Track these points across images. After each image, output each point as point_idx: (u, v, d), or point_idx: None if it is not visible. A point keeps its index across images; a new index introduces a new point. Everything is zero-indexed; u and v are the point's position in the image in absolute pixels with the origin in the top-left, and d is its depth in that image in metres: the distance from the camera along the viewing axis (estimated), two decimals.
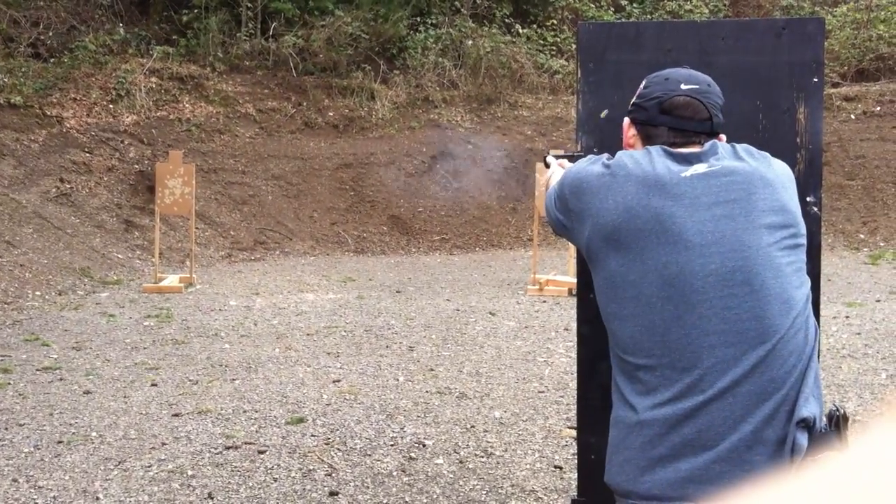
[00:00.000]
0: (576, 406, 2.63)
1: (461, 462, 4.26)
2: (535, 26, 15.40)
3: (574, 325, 2.52)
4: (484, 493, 3.92)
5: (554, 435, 4.62)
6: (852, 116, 13.69)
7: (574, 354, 2.49)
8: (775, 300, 1.61)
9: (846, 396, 5.09)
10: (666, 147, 1.73)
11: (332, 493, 3.88)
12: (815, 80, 2.40)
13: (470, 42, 14.66)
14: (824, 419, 1.63)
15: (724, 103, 1.82)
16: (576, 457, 2.69)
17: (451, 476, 4.09)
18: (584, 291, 2.53)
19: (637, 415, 1.67)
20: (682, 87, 1.77)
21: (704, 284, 1.62)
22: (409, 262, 11.16)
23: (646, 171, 1.69)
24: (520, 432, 4.66)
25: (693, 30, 2.50)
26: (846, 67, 14.99)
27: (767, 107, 2.41)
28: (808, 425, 1.59)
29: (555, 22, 15.43)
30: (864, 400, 5.09)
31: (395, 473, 4.12)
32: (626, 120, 1.87)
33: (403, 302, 8.28)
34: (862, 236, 11.73)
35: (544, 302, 8.31)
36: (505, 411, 5.00)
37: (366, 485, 3.99)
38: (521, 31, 15.09)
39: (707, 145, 1.73)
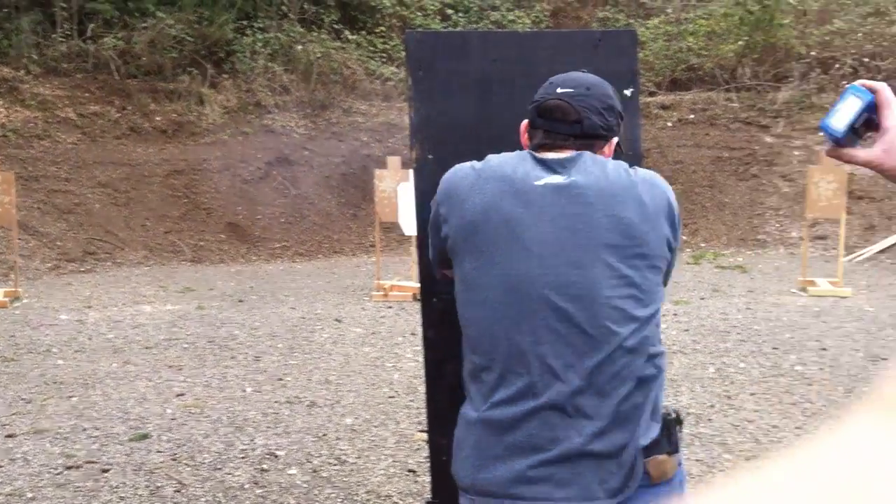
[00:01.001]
0: (426, 409, 2.67)
1: (315, 471, 4.23)
2: (364, 33, 15.41)
3: (420, 330, 2.57)
4: (339, 501, 3.91)
5: (406, 439, 4.67)
6: (669, 124, 14.51)
7: (422, 358, 2.53)
8: (605, 318, 1.64)
9: (679, 390, 5.42)
10: (534, 152, 1.76)
11: None
12: (631, 90, 2.46)
13: (300, 47, 14.51)
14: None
15: (609, 106, 1.80)
16: (428, 459, 2.74)
17: (306, 486, 4.07)
18: (428, 296, 2.57)
19: (476, 413, 1.72)
20: (557, 90, 1.79)
21: (541, 294, 1.65)
22: (251, 270, 10.93)
23: (505, 175, 1.72)
24: (372, 438, 4.68)
25: (516, 40, 2.56)
26: (661, 77, 15.86)
27: None
28: (647, 448, 1.66)
29: (383, 29, 15.50)
30: (696, 393, 5.43)
31: (247, 486, 4.05)
32: (524, 122, 1.89)
33: (247, 311, 8.12)
34: (684, 238, 12.47)
35: (390, 307, 8.36)
36: (356, 418, 5.01)
37: (217, 499, 3.90)
38: (350, 37, 15.07)
39: (575, 154, 1.73)
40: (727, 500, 0.24)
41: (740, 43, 15.58)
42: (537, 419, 1.66)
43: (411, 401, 5.28)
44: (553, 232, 1.66)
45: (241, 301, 8.70)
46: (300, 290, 9.35)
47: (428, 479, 2.81)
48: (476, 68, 2.49)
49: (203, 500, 3.90)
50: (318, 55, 14.49)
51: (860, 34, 15.42)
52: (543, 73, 2.51)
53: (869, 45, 15.42)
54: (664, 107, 15.04)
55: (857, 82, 1.42)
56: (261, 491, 4.00)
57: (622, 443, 1.65)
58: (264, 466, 4.29)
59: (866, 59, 15.24)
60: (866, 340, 6.88)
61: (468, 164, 1.82)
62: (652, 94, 15.45)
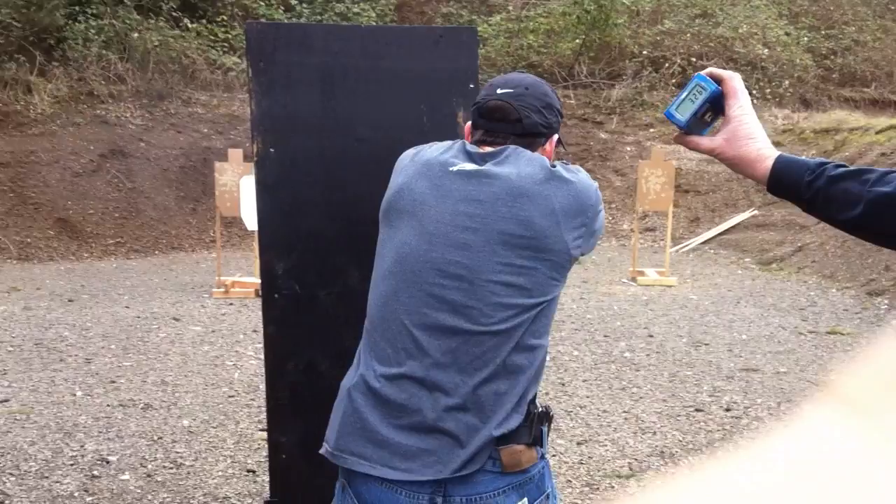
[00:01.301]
0: (265, 408, 2.65)
1: (149, 476, 4.10)
2: (204, 21, 14.95)
3: (262, 327, 2.54)
4: None
5: (246, 439, 4.59)
6: None
7: (263, 356, 2.51)
8: (481, 301, 1.68)
9: None
10: (470, 143, 1.81)
11: None
12: (472, 85, 2.52)
13: (136, 35, 13.94)
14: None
15: (548, 104, 1.84)
16: (268, 459, 2.71)
17: (139, 491, 3.94)
18: (270, 292, 2.55)
19: (351, 381, 1.78)
20: (498, 91, 1.82)
21: (421, 269, 1.71)
22: (82, 268, 10.42)
23: (429, 159, 1.79)
24: (210, 439, 4.57)
25: (358, 34, 2.57)
26: (502, 73, 16.22)
27: (430, 110, 2.51)
28: (503, 437, 1.69)
29: (225, 18, 15.09)
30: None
31: (76, 494, 3.88)
32: (468, 124, 1.92)
33: (77, 311, 7.74)
34: None
35: (231, 304, 8.18)
36: (194, 419, 4.89)
37: None
38: (190, 25, 14.60)
39: (498, 149, 1.78)
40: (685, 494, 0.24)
41: (577, 41, 16.14)
42: (396, 387, 1.70)
43: (252, 400, 5.20)
44: (452, 213, 1.71)
45: (71, 301, 8.29)
46: (135, 289, 9.00)
47: (267, 478, 2.78)
48: (318, 61, 2.48)
49: None
50: (156, 43, 13.94)
51: (688, 35, 16.29)
52: (385, 67, 2.53)
53: (696, 46, 16.31)
54: None
55: (705, 72, 1.46)
56: (91, 498, 3.85)
57: (474, 426, 1.67)
58: (95, 473, 4.12)
59: (694, 59, 16.10)
60: (689, 327, 7.30)
61: (416, 148, 1.89)
62: None
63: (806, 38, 16.97)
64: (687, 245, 11.87)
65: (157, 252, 11.49)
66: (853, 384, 0.24)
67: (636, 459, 4.37)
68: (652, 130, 14.61)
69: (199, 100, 13.98)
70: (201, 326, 7.23)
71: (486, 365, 1.68)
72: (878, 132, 11.54)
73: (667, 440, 4.65)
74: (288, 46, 2.49)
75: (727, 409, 5.15)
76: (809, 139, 12.93)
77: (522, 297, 1.70)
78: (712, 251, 11.55)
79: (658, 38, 16.36)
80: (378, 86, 2.52)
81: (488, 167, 1.74)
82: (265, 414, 2.67)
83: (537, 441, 1.75)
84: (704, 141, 1.46)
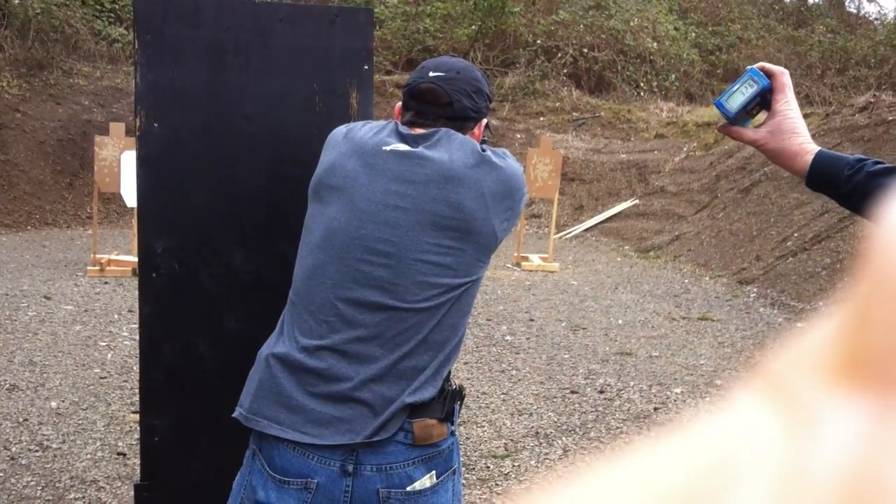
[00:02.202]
0: (139, 389, 2.58)
1: (13, 458, 3.94)
2: None
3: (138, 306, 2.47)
4: (39, 488, 3.68)
5: (117, 421, 4.46)
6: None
7: (138, 337, 2.45)
8: (408, 279, 1.72)
9: None
10: (401, 124, 1.82)
11: None
12: (366, 67, 2.52)
13: (17, 1, 13.27)
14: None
15: (478, 89, 1.86)
16: (139, 441, 2.65)
17: (2, 475, 3.78)
18: (146, 271, 2.48)
19: (271, 349, 1.80)
20: (430, 74, 1.83)
21: (350, 245, 1.73)
22: None
23: (362, 138, 1.79)
24: (80, 422, 4.43)
25: (251, 9, 2.52)
26: (398, 57, 16.20)
27: (323, 90, 2.47)
28: (415, 407, 1.73)
29: None
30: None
31: None
32: (398, 105, 1.92)
33: None
34: None
35: (106, 283, 7.91)
36: (63, 401, 4.71)
37: None
38: None
39: (430, 131, 1.80)
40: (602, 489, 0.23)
41: (473, 28, 16.25)
42: (316, 358, 1.73)
43: (125, 381, 5.06)
44: (383, 192, 1.73)
45: None
46: (4, 265, 8.59)
47: (138, 461, 2.71)
48: (208, 35, 2.42)
49: None
50: (38, 11, 13.31)
51: (582, 26, 16.61)
52: (278, 44, 2.48)
53: (589, 37, 16.66)
54: (399, 86, 15.34)
55: (757, 66, 1.49)
56: None
57: (390, 396, 1.71)
58: None
59: (585, 50, 16.45)
60: (569, 311, 7.49)
61: (347, 126, 1.89)
62: (388, 72, 15.73)
63: (694, 34, 17.57)
64: (570, 232, 12.15)
65: (29, 227, 11.00)
66: (781, 367, 0.24)
67: (512, 440, 4.46)
68: (542, 119, 14.87)
69: (82, 71, 13.45)
70: (73, 305, 6.97)
71: (408, 341, 1.73)
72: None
73: (542, 421, 4.76)
74: (177, 19, 2.42)
75: (601, 392, 5.31)
76: (692, 132, 13.41)
77: (448, 276, 1.74)
78: (594, 238, 11.86)
79: (552, 27, 16.63)
80: (270, 63, 2.48)
81: (421, 149, 1.77)
82: (138, 396, 2.61)
83: (448, 417, 1.80)
84: (748, 132, 1.51)
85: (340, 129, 1.90)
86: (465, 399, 2.11)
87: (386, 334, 1.73)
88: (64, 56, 13.52)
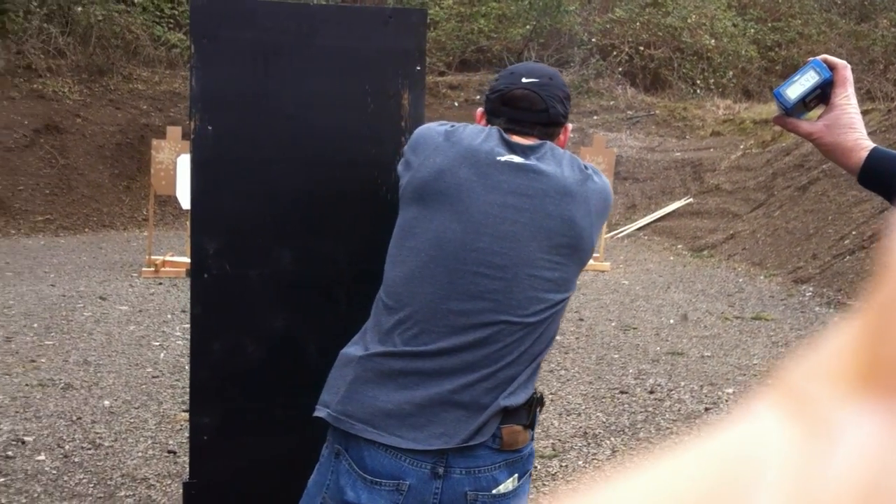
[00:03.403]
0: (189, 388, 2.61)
1: (66, 456, 4.02)
2: None
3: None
4: (91, 486, 3.74)
5: (168, 420, 4.53)
6: (456, 104, 14.84)
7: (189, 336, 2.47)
8: (521, 293, 1.74)
9: None
10: (502, 131, 1.82)
11: None
12: (419, 67, 2.51)
13: (80, 8, 13.56)
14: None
15: (567, 95, 1.89)
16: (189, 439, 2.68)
17: (55, 472, 3.85)
18: (198, 272, 2.50)
19: (365, 351, 1.81)
20: (523, 80, 1.84)
21: (466, 257, 1.74)
22: (7, 244, 10.12)
23: (472, 145, 1.79)
24: (131, 420, 4.50)
25: (305, 12, 2.53)
26: (451, 57, 16.20)
27: (375, 91, 2.47)
28: (507, 412, 1.77)
29: None
30: None
31: None
32: (479, 110, 1.94)
33: (0, 289, 7.53)
34: None
35: (160, 284, 8.04)
36: (115, 399, 4.80)
37: None
38: (136, 0, 14.27)
39: (538, 143, 1.82)
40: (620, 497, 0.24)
41: (528, 27, 16.17)
42: (418, 363, 1.75)
43: (177, 380, 5.13)
44: (500, 205, 1.74)
45: None
46: (62, 266, 8.79)
47: (188, 459, 2.74)
48: (262, 39, 2.43)
49: None
50: (100, 18, 13.59)
51: (638, 23, 16.43)
52: (331, 46, 2.49)
53: (645, 35, 16.48)
54: (452, 87, 15.37)
55: (820, 57, 1.47)
56: (4, 479, 3.75)
57: (486, 402, 1.74)
58: (9, 453, 4.02)
59: (641, 48, 16.27)
60: (619, 311, 7.40)
61: (442, 125, 1.90)
62: (442, 73, 15.73)
63: (752, 30, 17.25)
64: (623, 231, 12.03)
65: (87, 230, 11.24)
66: (798, 376, 0.24)
67: (560, 440, 4.42)
68: (595, 118, 14.74)
69: (141, 76, 13.70)
70: (128, 306, 7.09)
71: (511, 353, 1.75)
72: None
73: (591, 421, 4.71)
74: (232, 23, 2.44)
75: (651, 392, 5.24)
76: (749, 129, 13.18)
77: (554, 291, 1.78)
78: (647, 237, 11.72)
79: (608, 26, 16.48)
80: (323, 64, 2.48)
81: (534, 162, 1.78)
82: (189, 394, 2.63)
83: (532, 423, 1.84)
84: (804, 125, 1.49)
85: (436, 130, 1.88)
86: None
87: (492, 346, 1.75)
88: (124, 62, 13.78)
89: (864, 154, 1.42)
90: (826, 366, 0.23)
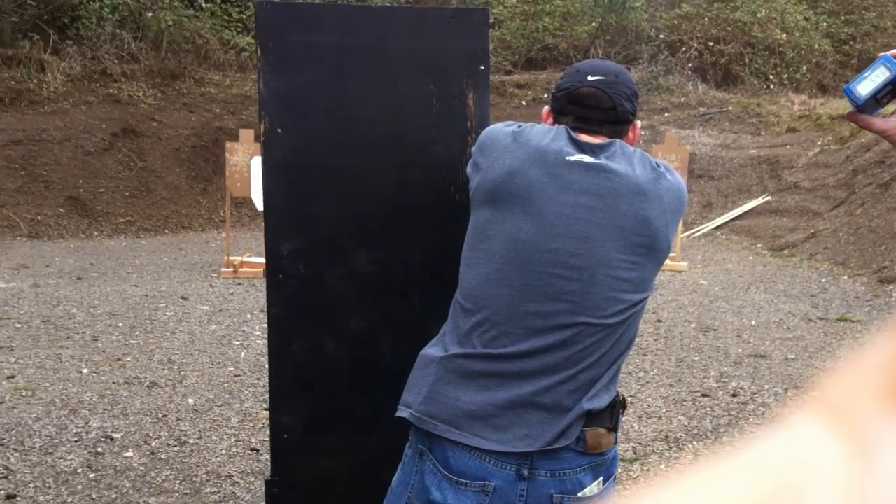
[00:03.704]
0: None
1: (153, 453, 4.12)
2: (219, 1, 14.93)
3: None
4: (178, 482, 3.82)
5: (250, 418, 4.60)
6: (524, 102, 14.79)
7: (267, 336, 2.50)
8: (598, 294, 1.73)
9: None
10: (570, 129, 1.81)
11: (10, 497, 3.60)
12: (482, 67, 2.49)
13: (150, 14, 13.92)
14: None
15: (634, 92, 1.87)
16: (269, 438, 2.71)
17: (143, 468, 3.95)
18: (274, 274, 2.54)
19: (445, 352, 1.81)
20: (589, 78, 1.83)
21: (541, 258, 1.73)
22: (92, 246, 10.46)
23: (540, 145, 1.78)
24: (215, 418, 4.58)
25: (369, 14, 2.54)
26: (517, 56, 16.15)
27: (440, 92, 2.46)
28: (590, 415, 1.75)
29: None
30: None
31: (80, 470, 3.90)
32: (546, 109, 1.94)
33: (86, 289, 7.77)
34: None
35: (239, 284, 8.19)
36: (199, 398, 4.90)
37: (47, 485, 3.74)
38: (204, 5, 14.57)
39: (607, 142, 1.80)
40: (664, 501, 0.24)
41: (594, 24, 16.02)
42: (499, 364, 1.75)
43: (258, 379, 5.21)
44: (573, 205, 1.73)
45: (79, 278, 8.32)
46: (144, 267, 9.03)
47: (270, 457, 2.78)
48: (328, 41, 2.45)
49: (32, 485, 3.73)
50: (170, 23, 13.94)
51: (706, 19, 16.14)
52: (396, 47, 2.50)
53: (714, 30, 16.18)
54: (519, 86, 15.31)
55: (891, 52, 1.45)
56: (94, 475, 3.86)
57: (569, 404, 1.74)
58: (99, 450, 4.13)
59: (711, 43, 15.98)
60: (699, 312, 7.27)
61: (508, 126, 1.89)
62: (508, 72, 15.69)
63: (825, 24, 16.80)
64: (699, 230, 11.81)
65: (166, 231, 11.52)
66: (839, 390, 0.24)
67: (640, 444, 4.36)
68: (667, 115, 14.52)
69: (212, 80, 13.99)
70: (209, 306, 7.24)
71: (592, 354, 1.74)
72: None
73: (672, 425, 4.63)
74: (298, 26, 2.46)
75: (734, 395, 5.12)
76: (826, 125, 12.82)
77: (632, 292, 1.76)
78: (724, 237, 11.49)
79: (675, 21, 16.24)
80: (387, 66, 2.49)
81: (604, 161, 1.76)
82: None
83: (615, 426, 1.83)
84: (877, 121, 1.48)
85: (504, 130, 1.87)
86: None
87: (572, 348, 1.73)
88: (195, 66, 14.09)
89: None
90: (865, 380, 0.23)
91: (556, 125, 1.86)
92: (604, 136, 1.83)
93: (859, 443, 0.22)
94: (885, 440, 0.21)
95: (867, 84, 1.45)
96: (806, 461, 0.22)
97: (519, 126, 1.87)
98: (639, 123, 1.93)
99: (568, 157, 1.76)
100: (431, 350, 1.87)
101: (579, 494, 1.76)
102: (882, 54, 1.46)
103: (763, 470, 0.23)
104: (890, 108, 1.49)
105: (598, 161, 1.76)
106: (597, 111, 1.83)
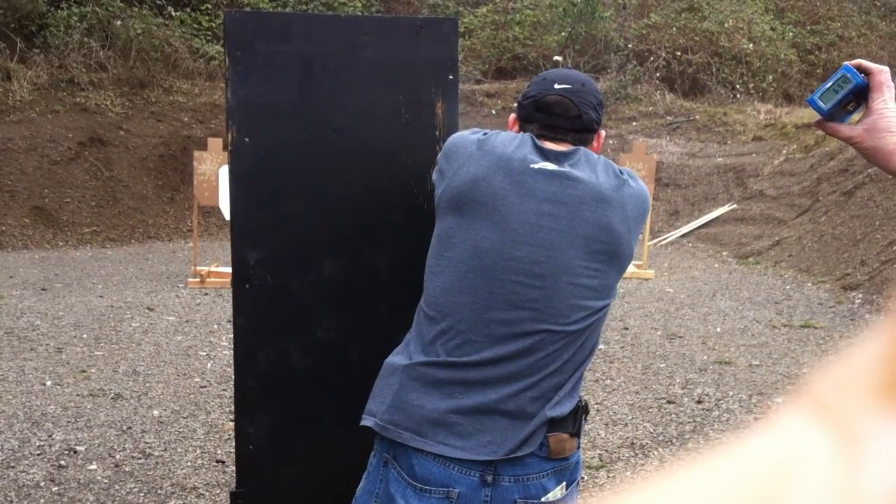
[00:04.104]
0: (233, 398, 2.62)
1: (117, 466, 4.07)
2: (189, 10, 14.85)
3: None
4: (142, 495, 3.78)
5: (217, 429, 4.56)
6: (493, 111, 14.84)
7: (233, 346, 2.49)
8: (561, 302, 1.74)
9: None
10: (535, 137, 1.82)
11: None
12: (451, 77, 2.52)
13: (119, 22, 13.81)
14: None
15: (600, 101, 1.89)
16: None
17: (107, 481, 3.90)
18: (240, 283, 2.52)
19: (409, 360, 1.82)
20: (556, 86, 1.85)
21: (505, 266, 1.74)
22: (56, 256, 10.33)
23: (504, 152, 1.79)
24: (180, 430, 4.54)
25: (338, 24, 2.55)
26: (487, 65, 16.21)
27: (409, 101, 2.48)
28: (553, 421, 1.77)
29: (209, 6, 14.98)
30: None
31: (42, 484, 3.85)
32: (512, 116, 1.95)
33: (50, 300, 7.67)
34: None
35: (206, 294, 8.13)
36: (164, 409, 4.85)
37: (9, 499, 3.69)
38: (174, 13, 14.49)
39: (571, 149, 1.82)
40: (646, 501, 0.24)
41: (563, 34, 16.13)
42: (463, 372, 1.76)
43: (224, 390, 5.17)
44: (536, 213, 1.74)
45: (44, 289, 8.22)
46: (110, 278, 8.93)
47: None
48: (297, 50, 2.45)
49: None
50: (139, 31, 13.82)
51: (674, 28, 16.31)
52: (365, 56, 2.50)
53: (682, 40, 16.34)
54: (489, 94, 15.36)
55: (852, 63, 1.49)
56: (57, 488, 3.81)
57: (532, 411, 1.75)
58: (62, 463, 4.08)
59: (678, 53, 16.14)
60: (665, 320, 7.32)
61: (474, 133, 1.89)
62: (478, 81, 15.74)
63: (791, 34, 17.05)
64: (666, 238, 11.92)
65: (133, 241, 11.41)
66: (828, 386, 0.24)
67: (607, 451, 4.38)
68: (634, 124, 14.63)
69: (181, 88, 13.89)
70: (175, 316, 7.18)
71: (555, 361, 1.75)
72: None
73: (637, 432, 4.66)
74: (266, 35, 2.46)
75: (699, 402, 5.17)
76: (791, 134, 12.99)
77: (595, 299, 1.77)
78: (690, 244, 11.59)
79: (644, 31, 16.39)
80: (357, 76, 2.50)
81: (568, 168, 1.77)
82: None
83: (578, 431, 1.84)
84: (844, 129, 1.52)
85: (469, 138, 1.87)
86: None
87: (536, 355, 1.75)
88: (164, 74, 13.98)
89: None
90: (854, 376, 0.23)
91: (522, 133, 1.87)
92: (568, 144, 1.84)
93: (848, 438, 0.22)
94: (873, 435, 0.21)
95: (829, 94, 1.49)
96: (794, 456, 0.23)
97: (484, 133, 1.88)
98: (603, 133, 1.95)
99: (532, 165, 1.77)
100: (396, 358, 1.88)
101: (543, 499, 1.77)
102: (844, 64, 1.50)
103: (751, 465, 0.23)
104: (858, 114, 1.53)
105: (561, 169, 1.77)
106: (563, 119, 1.84)
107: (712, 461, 0.24)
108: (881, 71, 1.48)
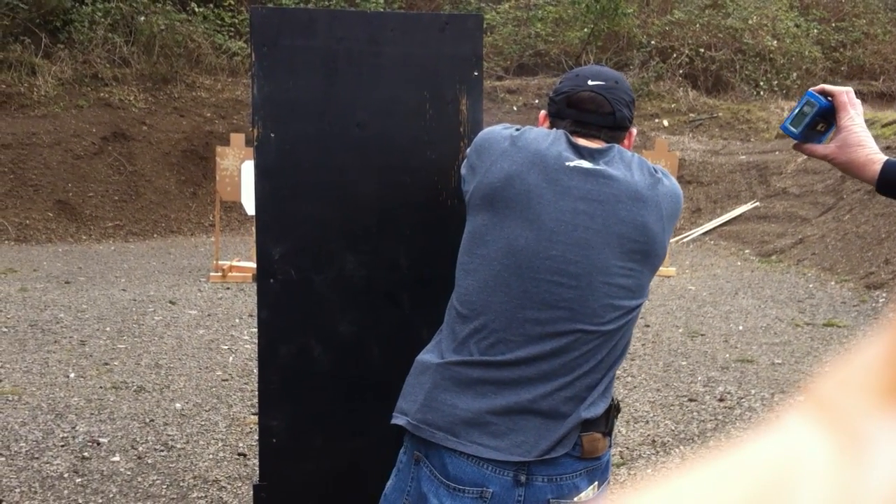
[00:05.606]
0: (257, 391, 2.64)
1: (139, 458, 4.10)
2: (211, 6, 14.91)
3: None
4: (164, 487, 3.81)
5: (238, 423, 4.59)
6: (514, 108, 14.81)
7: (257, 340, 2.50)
8: (596, 301, 1.72)
9: None
10: (568, 134, 1.81)
11: None
12: (476, 73, 2.51)
13: (143, 18, 13.90)
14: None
15: (633, 99, 1.88)
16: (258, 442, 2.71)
17: (129, 473, 3.94)
18: (264, 277, 2.53)
19: (441, 359, 1.80)
20: (589, 82, 1.83)
21: (540, 265, 1.72)
22: (80, 250, 10.42)
23: (539, 149, 1.77)
24: (202, 423, 4.57)
25: (363, 20, 2.55)
26: (509, 62, 16.17)
27: (433, 97, 2.47)
28: (587, 422, 1.76)
29: (232, 2, 15.03)
30: None
31: (66, 475, 3.88)
32: (542, 112, 1.94)
33: (73, 293, 7.74)
34: None
35: (228, 288, 8.18)
36: (187, 402, 4.88)
37: (33, 490, 3.73)
38: (197, 9, 14.56)
39: (606, 147, 1.80)
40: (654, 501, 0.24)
41: (586, 30, 16.06)
42: (497, 372, 1.75)
43: (245, 384, 5.20)
44: (571, 212, 1.73)
45: (67, 282, 8.29)
46: (132, 271, 9.00)
47: (258, 462, 2.78)
48: (322, 46, 2.46)
49: (18, 490, 3.71)
50: (162, 27, 13.91)
51: (698, 25, 16.20)
52: (389, 52, 2.50)
53: (705, 37, 16.23)
54: (511, 91, 15.32)
55: (815, 88, 1.61)
56: (81, 480, 3.85)
57: (566, 411, 1.74)
58: (85, 454, 4.12)
59: (702, 50, 16.04)
60: (686, 317, 7.29)
61: (506, 129, 1.87)
62: (500, 78, 15.71)
63: (815, 31, 16.89)
64: (688, 236, 11.85)
65: (155, 235, 11.49)
66: (830, 389, 0.24)
67: (627, 448, 4.37)
68: (657, 121, 14.56)
69: (204, 84, 13.96)
70: (197, 310, 7.22)
71: (588, 361, 1.74)
72: (883, 126, 11.47)
73: (659, 429, 4.64)
74: (292, 31, 2.46)
75: (720, 400, 5.14)
76: None
77: (629, 298, 1.76)
78: (713, 242, 11.53)
79: (667, 28, 16.28)
80: (381, 72, 2.50)
81: (603, 167, 1.76)
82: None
83: (610, 431, 1.84)
84: (819, 148, 1.67)
85: (501, 133, 1.85)
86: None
87: (569, 355, 1.73)
88: (187, 70, 14.06)
89: (878, 167, 1.59)
90: (857, 378, 0.23)
91: (554, 129, 1.85)
92: (601, 142, 1.82)
93: (851, 440, 0.22)
94: (876, 438, 0.21)
95: (799, 119, 1.63)
96: (798, 458, 0.23)
97: (517, 129, 1.86)
98: (634, 131, 1.93)
99: (567, 163, 1.75)
100: (427, 356, 1.86)
101: (575, 499, 1.77)
102: (808, 91, 1.65)
103: (755, 467, 0.23)
104: (830, 136, 1.66)
105: (596, 167, 1.75)
106: (595, 115, 1.82)
107: (716, 462, 0.24)
108: (843, 92, 1.62)
